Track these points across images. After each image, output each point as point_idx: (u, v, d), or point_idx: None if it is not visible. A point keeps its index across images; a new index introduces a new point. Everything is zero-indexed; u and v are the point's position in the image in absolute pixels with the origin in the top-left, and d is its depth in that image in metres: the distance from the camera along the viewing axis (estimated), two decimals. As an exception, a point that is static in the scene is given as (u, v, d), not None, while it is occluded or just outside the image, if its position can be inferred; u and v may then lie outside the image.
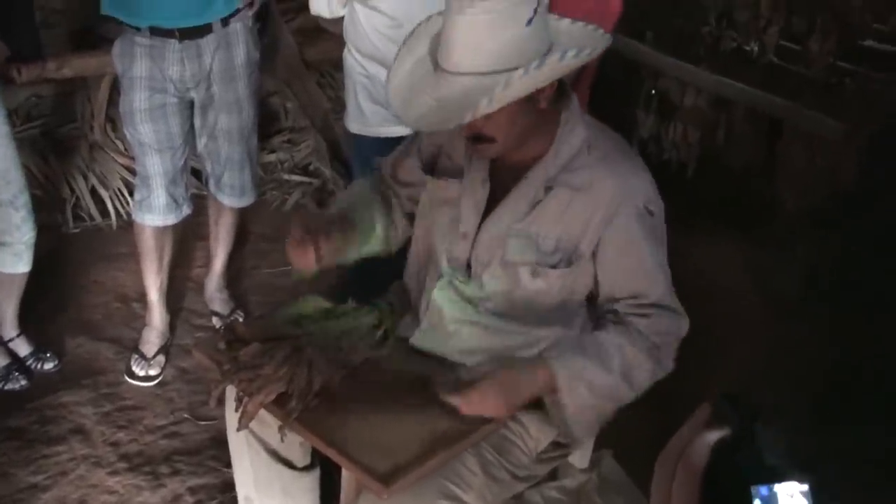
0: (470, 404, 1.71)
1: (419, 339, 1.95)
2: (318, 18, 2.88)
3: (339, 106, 3.95)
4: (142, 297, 3.21)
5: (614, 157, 1.80)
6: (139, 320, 3.21)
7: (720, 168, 3.87)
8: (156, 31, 2.69)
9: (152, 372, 3.00)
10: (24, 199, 2.77)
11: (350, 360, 1.86)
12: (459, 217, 1.88)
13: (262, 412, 1.80)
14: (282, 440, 1.80)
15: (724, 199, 3.70)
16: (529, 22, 1.62)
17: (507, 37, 1.61)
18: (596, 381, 1.73)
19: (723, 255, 3.37)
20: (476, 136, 1.73)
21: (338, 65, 3.06)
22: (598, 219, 1.76)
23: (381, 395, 1.79)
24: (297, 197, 4.09)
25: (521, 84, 1.60)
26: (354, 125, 2.86)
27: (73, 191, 3.85)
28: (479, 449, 1.75)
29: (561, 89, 1.78)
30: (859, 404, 2.39)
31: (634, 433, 2.33)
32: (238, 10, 2.78)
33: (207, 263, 3.35)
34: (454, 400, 1.71)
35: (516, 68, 1.60)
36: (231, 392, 1.89)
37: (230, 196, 3.08)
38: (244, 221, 3.44)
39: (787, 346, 2.79)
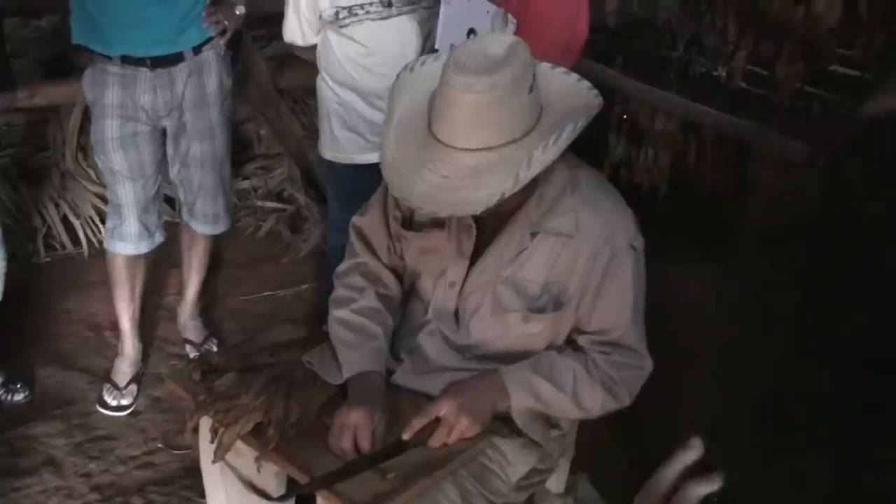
0: (444, 438, 1.72)
1: (401, 378, 1.93)
2: (290, 46, 2.90)
3: (313, 132, 3.96)
4: (114, 326, 3.18)
5: (596, 196, 1.81)
6: (111, 349, 3.18)
7: (691, 191, 3.91)
8: (127, 60, 2.69)
9: (124, 402, 2.98)
10: (-6, 228, 2.75)
11: (327, 388, 1.85)
12: (445, 266, 1.88)
13: (238, 443, 1.78)
14: (258, 470, 1.79)
15: (695, 221, 3.74)
16: (531, 89, 1.63)
17: (512, 108, 1.61)
18: (546, 395, 1.78)
19: (692, 277, 3.40)
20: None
21: (311, 91, 3.07)
22: (583, 261, 1.77)
23: None
24: (272, 223, 4.09)
25: (542, 159, 1.60)
26: (328, 152, 2.87)
27: (44, 220, 3.83)
28: (458, 478, 1.74)
29: None
30: (805, 432, 2.39)
31: (609, 456, 2.33)
32: (210, 39, 2.79)
33: (180, 291, 3.34)
34: (432, 442, 1.72)
35: (524, 135, 1.62)
36: (206, 423, 1.87)
37: (203, 224, 3.06)
38: (217, 248, 3.43)
39: (739, 371, 2.79)
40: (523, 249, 1.80)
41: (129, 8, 2.62)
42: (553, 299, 1.80)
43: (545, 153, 1.60)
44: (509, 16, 2.24)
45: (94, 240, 3.81)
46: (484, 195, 1.59)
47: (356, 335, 1.89)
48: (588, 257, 1.77)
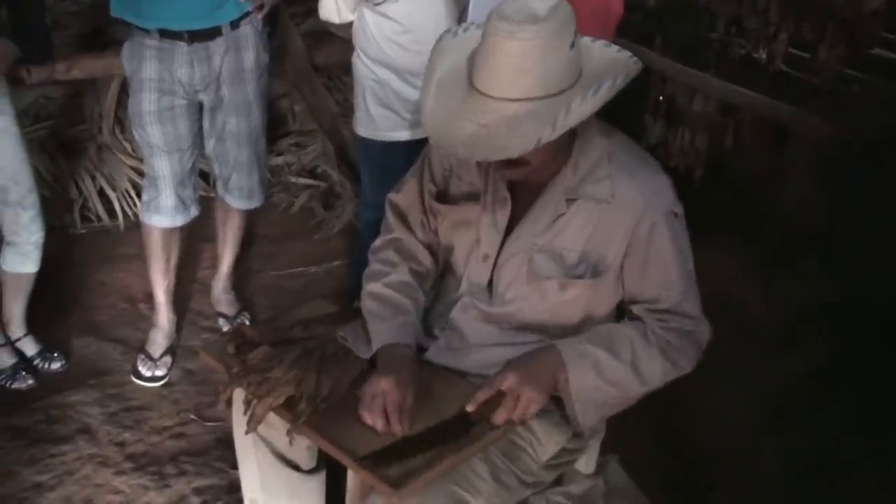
0: (510, 411, 1.72)
1: (435, 355, 1.93)
2: (326, 23, 2.89)
3: (347, 109, 3.96)
4: (148, 298, 3.22)
5: (633, 164, 1.80)
6: (145, 321, 3.21)
7: (728, 175, 3.86)
8: (165, 34, 2.70)
9: (158, 373, 3.01)
10: (32, 199, 2.79)
11: (358, 363, 1.86)
12: (479, 239, 1.88)
13: (270, 415, 1.80)
14: (290, 443, 1.80)
15: (732, 205, 3.70)
16: (573, 45, 1.62)
17: (553, 60, 1.60)
18: (603, 364, 1.76)
19: (728, 263, 3.37)
20: (509, 161, 1.69)
21: (346, 68, 3.07)
22: (623, 229, 1.76)
23: None
24: (305, 200, 4.10)
25: (580, 110, 1.60)
26: (363, 129, 2.87)
27: (80, 192, 3.87)
28: (489, 454, 1.75)
29: None
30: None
31: (639, 438, 2.33)
32: (248, 13, 2.79)
33: (214, 265, 3.36)
34: (497, 418, 1.72)
35: (562, 92, 1.61)
36: (238, 395, 1.89)
37: (238, 198, 3.08)
38: (251, 224, 3.45)
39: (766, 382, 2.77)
40: (560, 216, 1.79)
41: None
42: (591, 267, 1.79)
43: (584, 104, 1.59)
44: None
45: (129, 212, 3.85)
46: (521, 141, 1.59)
47: (386, 308, 1.90)
48: (627, 227, 1.76)
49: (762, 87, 3.50)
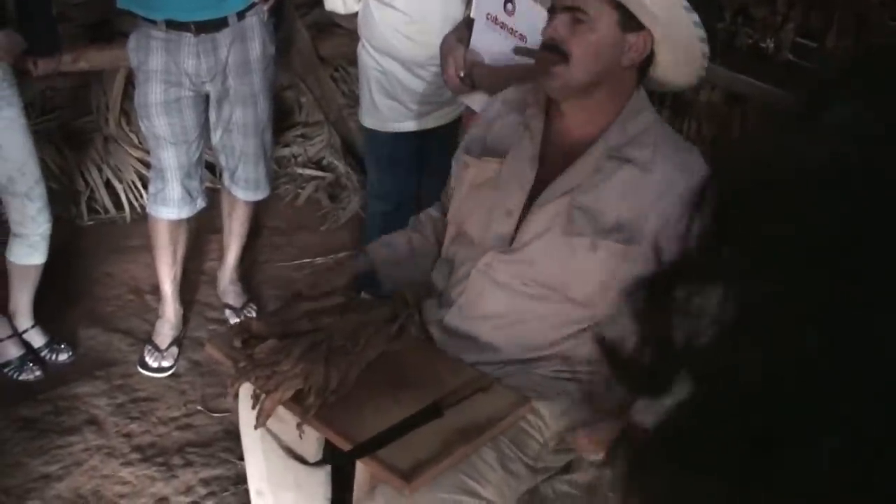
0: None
1: (451, 320, 1.93)
2: (332, 14, 2.89)
3: (354, 101, 3.96)
4: (155, 290, 3.22)
5: (676, 140, 1.84)
6: (152, 312, 3.22)
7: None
8: (171, 25, 2.70)
9: (165, 363, 3.02)
10: (39, 190, 2.79)
11: (366, 354, 1.86)
12: (503, 195, 1.88)
13: (279, 408, 1.80)
14: (300, 437, 1.80)
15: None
16: None
17: None
18: None
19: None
20: (554, 47, 1.75)
21: (352, 59, 3.06)
22: (660, 202, 1.74)
23: (400, 390, 1.79)
24: (311, 191, 4.10)
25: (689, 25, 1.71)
26: (368, 120, 2.87)
27: (87, 183, 3.87)
28: (497, 443, 1.75)
29: (642, 72, 1.82)
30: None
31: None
32: (254, 4, 2.79)
33: (220, 257, 3.37)
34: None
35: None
36: (246, 388, 1.89)
37: (244, 190, 3.08)
38: (257, 215, 3.45)
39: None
40: (599, 171, 1.79)
41: None
42: (625, 232, 1.77)
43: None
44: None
45: (136, 204, 3.85)
46: None
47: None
48: (665, 200, 1.74)
49: (769, 76, 3.48)
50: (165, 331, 3.09)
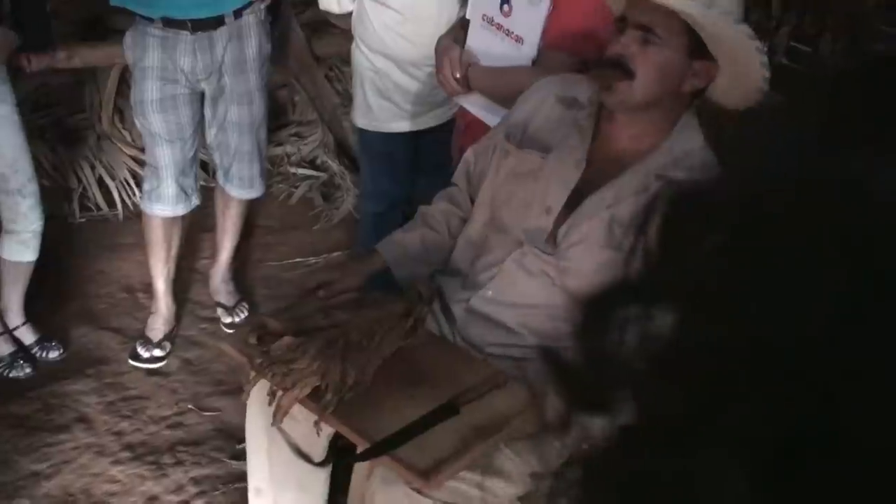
0: None
1: (478, 304, 1.94)
2: (326, 13, 2.89)
3: (348, 100, 3.95)
4: (147, 288, 3.22)
5: (715, 164, 1.83)
6: (144, 311, 3.21)
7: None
8: (168, 23, 2.70)
9: (157, 353, 3.01)
10: (32, 187, 2.78)
11: (382, 350, 1.85)
12: (544, 190, 1.89)
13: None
14: (317, 434, 1.80)
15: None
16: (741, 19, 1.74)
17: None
18: None
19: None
20: (618, 62, 1.76)
21: (347, 59, 3.06)
22: None
23: (416, 387, 1.78)
24: (304, 190, 4.09)
25: (715, 15, 1.69)
26: (361, 120, 2.87)
27: (80, 181, 3.86)
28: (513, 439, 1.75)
29: (697, 95, 1.84)
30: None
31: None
32: (251, 3, 2.79)
33: (213, 255, 3.36)
34: None
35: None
36: (260, 385, 1.88)
37: (239, 188, 3.08)
38: (250, 214, 3.44)
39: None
40: (644, 190, 1.79)
41: None
42: None
43: (721, 15, 1.69)
44: (545, -14, 2.21)
45: (128, 202, 3.84)
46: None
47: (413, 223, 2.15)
48: None
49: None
50: (158, 325, 3.08)
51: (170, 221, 2.98)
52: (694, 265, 0.43)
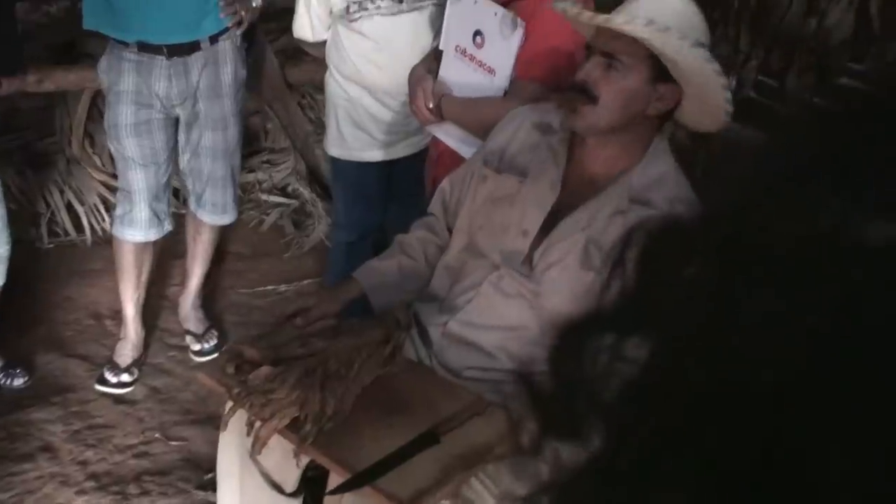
0: None
1: (456, 327, 1.94)
2: (300, 42, 2.90)
3: (321, 128, 3.95)
4: (115, 315, 3.18)
5: (689, 189, 1.86)
6: (111, 338, 3.18)
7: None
8: (144, 47, 2.70)
9: (125, 378, 2.98)
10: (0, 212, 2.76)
11: (361, 379, 1.84)
12: (520, 214, 1.91)
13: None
14: (297, 465, 1.79)
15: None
16: (701, 45, 1.76)
17: (682, 25, 1.76)
18: None
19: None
20: (582, 88, 1.80)
21: (320, 87, 3.06)
22: None
23: (395, 416, 1.78)
24: (275, 217, 4.08)
25: (672, 42, 1.71)
26: (334, 149, 2.87)
27: (48, 205, 3.82)
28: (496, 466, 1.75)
29: (666, 119, 1.89)
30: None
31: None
32: (227, 29, 2.79)
33: (183, 282, 3.33)
34: None
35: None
36: (237, 415, 1.86)
37: (211, 213, 3.07)
38: (221, 241, 3.42)
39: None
40: (620, 212, 1.82)
41: None
42: None
43: (676, 41, 1.71)
44: (518, 19, 2.23)
45: (97, 227, 3.81)
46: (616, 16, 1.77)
47: (390, 251, 2.15)
48: None
49: (732, 113, 3.53)
50: (126, 351, 3.06)
51: (141, 247, 2.96)
52: (670, 298, 0.43)
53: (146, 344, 3.17)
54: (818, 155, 0.42)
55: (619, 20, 1.75)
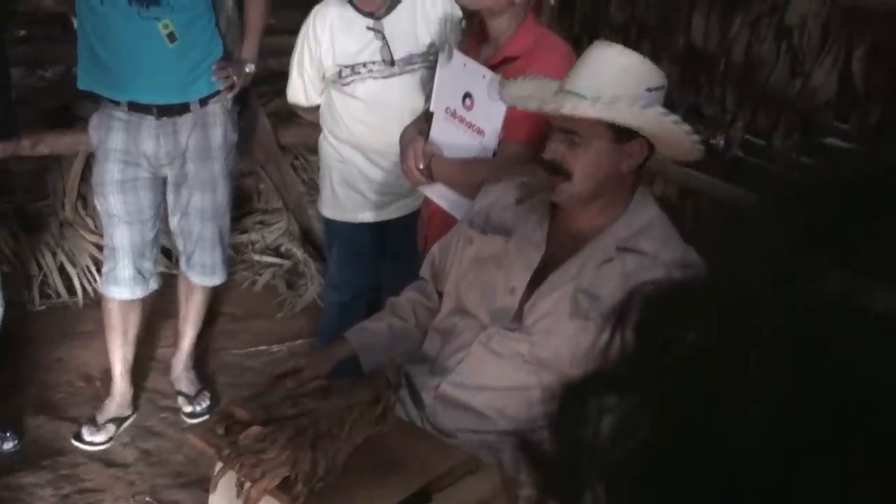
0: None
1: (449, 388, 1.94)
2: (294, 106, 2.94)
3: (313, 188, 3.98)
4: (106, 376, 3.17)
5: (677, 235, 1.90)
6: (103, 400, 3.15)
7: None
8: (134, 107, 2.74)
9: (98, 438, 2.98)
10: (-8, 274, 2.76)
11: (353, 438, 1.83)
12: (507, 273, 1.93)
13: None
14: None
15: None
16: (650, 90, 1.79)
17: (629, 86, 1.78)
18: None
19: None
20: (555, 167, 1.83)
21: (313, 148, 3.10)
22: None
23: (387, 475, 1.76)
24: (268, 278, 4.09)
25: (620, 111, 1.74)
26: (328, 211, 2.89)
27: (41, 267, 3.83)
28: None
29: (640, 173, 1.91)
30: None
31: None
32: (218, 92, 2.83)
33: (174, 343, 3.32)
34: None
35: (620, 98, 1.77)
36: (227, 476, 1.84)
37: (201, 275, 3.08)
38: (213, 301, 3.43)
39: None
40: (608, 261, 1.84)
41: (140, 55, 2.69)
42: None
43: (627, 108, 1.74)
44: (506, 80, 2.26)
45: (89, 289, 3.80)
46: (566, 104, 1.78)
47: (381, 314, 2.15)
48: None
49: (720, 172, 3.57)
50: (109, 408, 3.06)
51: (127, 304, 2.97)
52: (669, 363, 0.44)
53: (136, 406, 3.15)
54: (812, 225, 0.43)
55: (566, 108, 1.77)
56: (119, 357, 3.05)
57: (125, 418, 3.10)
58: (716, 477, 0.40)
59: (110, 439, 3.00)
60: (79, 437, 2.99)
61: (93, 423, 3.01)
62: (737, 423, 0.39)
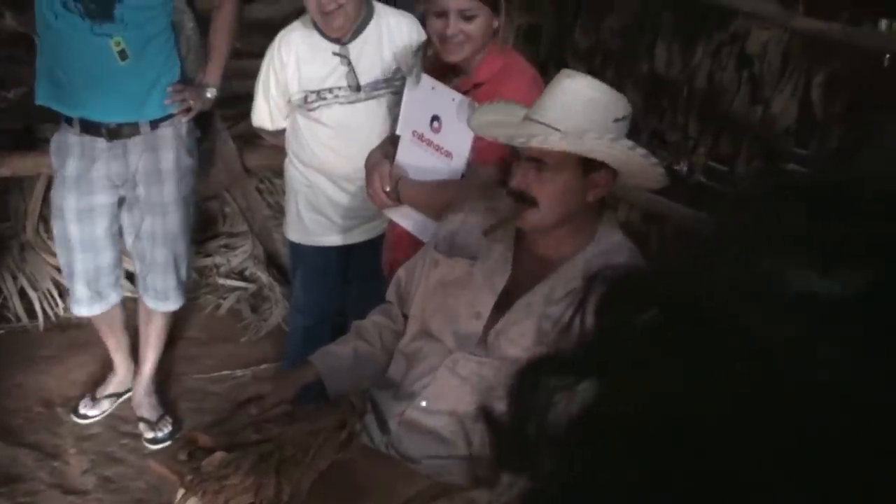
0: None
1: (415, 414, 1.93)
2: (259, 130, 2.93)
3: (279, 212, 3.96)
4: (66, 402, 3.13)
5: (639, 256, 1.94)
6: (63, 426, 3.11)
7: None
8: (86, 127, 2.74)
9: (93, 412, 3.15)
10: (-51, 298, 2.73)
11: (317, 464, 1.82)
12: (472, 296, 1.93)
13: None
14: None
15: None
16: (616, 121, 1.82)
17: (597, 117, 1.81)
18: None
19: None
20: (522, 195, 1.84)
21: (278, 172, 3.09)
22: None
23: (353, 501, 1.75)
24: (232, 302, 4.05)
25: (589, 144, 1.76)
26: (294, 234, 2.88)
27: (0, 291, 3.77)
28: None
29: (604, 201, 1.95)
30: None
31: None
32: (170, 116, 2.82)
33: (136, 368, 3.28)
34: None
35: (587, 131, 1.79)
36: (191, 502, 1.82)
37: (154, 299, 3.06)
38: (176, 326, 3.39)
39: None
40: (575, 289, 1.82)
41: (92, 71, 2.70)
42: None
43: (595, 140, 1.77)
44: (476, 104, 2.28)
45: (50, 313, 3.75)
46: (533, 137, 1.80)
47: (347, 337, 2.16)
48: None
49: (683, 198, 3.61)
50: (109, 381, 3.21)
51: (97, 318, 3.06)
52: (624, 342, 0.45)
53: (96, 433, 3.11)
54: (754, 223, 0.45)
55: (535, 141, 1.80)
56: (114, 345, 3.18)
57: (123, 393, 3.21)
58: (655, 453, 0.41)
59: (101, 415, 3.14)
60: (76, 412, 3.11)
61: (91, 397, 3.14)
62: (666, 396, 0.41)
